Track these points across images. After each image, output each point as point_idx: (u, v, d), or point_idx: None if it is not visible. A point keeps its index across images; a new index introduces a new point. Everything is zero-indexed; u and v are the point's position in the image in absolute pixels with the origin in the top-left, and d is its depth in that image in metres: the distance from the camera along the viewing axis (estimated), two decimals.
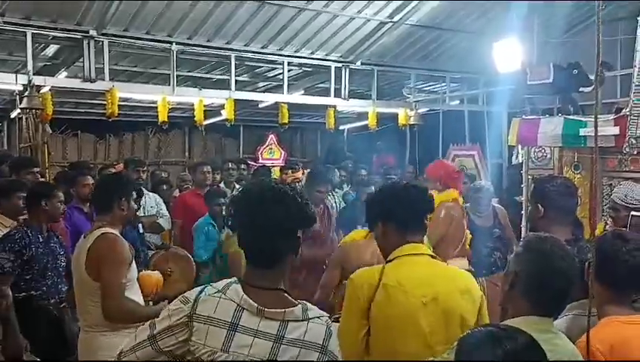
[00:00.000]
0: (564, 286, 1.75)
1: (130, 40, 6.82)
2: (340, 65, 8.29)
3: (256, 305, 1.64)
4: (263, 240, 1.69)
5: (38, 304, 3.60)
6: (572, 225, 2.63)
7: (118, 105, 6.72)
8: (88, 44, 6.50)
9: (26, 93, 6.03)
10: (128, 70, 8.01)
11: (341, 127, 11.46)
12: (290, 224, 1.70)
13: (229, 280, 1.73)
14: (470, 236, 4.74)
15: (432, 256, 2.22)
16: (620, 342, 1.76)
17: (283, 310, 1.64)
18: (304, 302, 1.70)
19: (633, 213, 2.95)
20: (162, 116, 7.06)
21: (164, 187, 6.56)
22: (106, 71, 6.67)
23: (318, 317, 1.67)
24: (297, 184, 5.38)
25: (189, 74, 8.31)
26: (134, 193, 3.23)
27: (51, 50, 7.13)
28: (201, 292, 1.71)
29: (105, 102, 6.73)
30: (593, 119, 4.22)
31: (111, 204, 3.10)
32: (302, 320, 1.64)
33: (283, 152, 12.37)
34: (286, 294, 1.71)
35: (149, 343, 1.70)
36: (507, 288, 1.81)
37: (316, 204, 4.40)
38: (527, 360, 1.37)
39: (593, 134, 4.08)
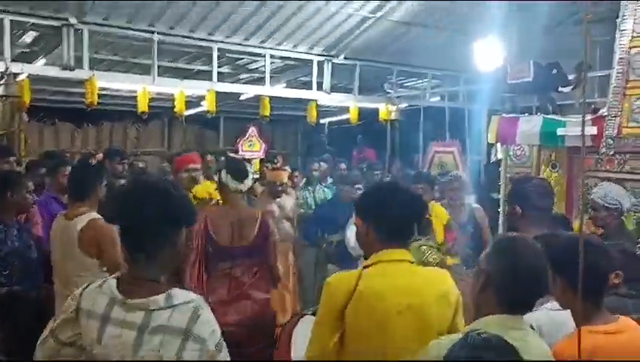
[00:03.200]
0: (534, 285, 1.78)
1: (110, 29, 6.74)
2: (322, 59, 8.29)
3: (120, 296, 1.70)
4: (136, 236, 1.75)
5: (22, 296, 3.49)
6: (553, 224, 2.68)
7: (97, 95, 6.64)
8: (68, 32, 6.41)
9: (2, 81, 5.94)
10: (108, 59, 7.91)
11: (322, 121, 11.47)
12: (163, 220, 1.74)
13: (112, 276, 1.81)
14: None
15: (411, 262, 2.16)
16: (588, 353, 1.80)
17: (145, 300, 1.67)
18: (173, 289, 1.72)
19: None
20: (142, 106, 7.00)
21: None
22: (86, 59, 6.58)
23: (187, 303, 1.68)
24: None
25: (170, 64, 8.24)
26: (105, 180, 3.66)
27: (30, 37, 7.00)
28: (85, 287, 1.81)
29: (84, 91, 6.65)
30: (570, 119, 4.31)
31: (89, 190, 3.52)
32: (166, 308, 1.66)
33: (263, 145, 12.32)
34: (164, 284, 1.74)
35: (51, 336, 1.80)
36: (479, 287, 1.83)
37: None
38: None
39: (570, 134, 4.20)
